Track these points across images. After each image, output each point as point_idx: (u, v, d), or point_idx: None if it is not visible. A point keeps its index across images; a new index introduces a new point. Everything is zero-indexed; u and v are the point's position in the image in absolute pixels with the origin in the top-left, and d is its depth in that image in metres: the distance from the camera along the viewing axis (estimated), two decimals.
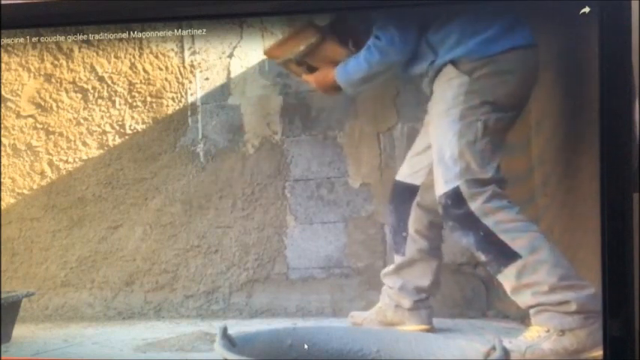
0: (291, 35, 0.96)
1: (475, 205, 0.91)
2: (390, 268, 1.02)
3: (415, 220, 0.99)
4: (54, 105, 1.07)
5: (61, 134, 1.08)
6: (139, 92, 1.06)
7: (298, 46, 0.96)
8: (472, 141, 0.91)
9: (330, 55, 0.97)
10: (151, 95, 1.06)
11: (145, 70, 1.05)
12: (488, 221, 0.91)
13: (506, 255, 0.90)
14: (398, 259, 1.01)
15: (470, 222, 0.91)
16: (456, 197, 0.92)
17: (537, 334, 0.91)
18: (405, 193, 1.00)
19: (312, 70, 0.99)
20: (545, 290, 0.89)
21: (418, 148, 0.99)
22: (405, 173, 1.00)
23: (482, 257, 0.92)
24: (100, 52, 1.03)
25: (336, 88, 0.98)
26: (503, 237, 0.90)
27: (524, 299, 0.91)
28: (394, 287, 1.01)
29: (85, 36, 0.96)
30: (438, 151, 0.94)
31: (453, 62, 0.92)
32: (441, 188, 0.93)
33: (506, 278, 0.91)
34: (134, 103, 1.06)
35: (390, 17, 0.92)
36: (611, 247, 0.82)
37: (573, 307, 0.89)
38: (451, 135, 0.92)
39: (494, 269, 0.92)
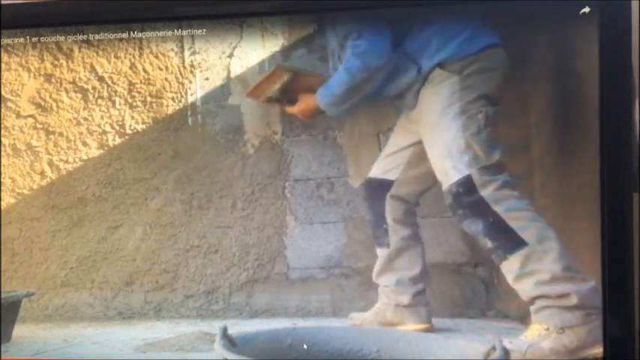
0: (264, 78, 0.99)
1: (486, 192, 0.92)
2: (379, 265, 1.03)
3: (392, 210, 1.02)
4: (54, 105, 1.07)
5: (61, 134, 1.08)
6: (139, 92, 1.06)
7: (274, 85, 0.99)
8: (476, 132, 0.93)
9: (307, 85, 0.99)
10: (151, 95, 1.06)
11: (145, 70, 1.05)
12: (499, 208, 0.92)
13: (513, 242, 0.91)
14: (383, 252, 1.02)
15: (480, 208, 0.92)
16: (467, 185, 0.93)
17: (537, 333, 0.91)
18: (378, 189, 1.02)
19: (293, 101, 1.01)
20: (547, 279, 0.90)
21: (391, 149, 1.02)
22: (379, 171, 1.02)
23: (489, 244, 0.92)
24: (100, 52, 1.03)
25: (319, 113, 1.00)
26: (512, 224, 0.91)
27: (526, 289, 0.91)
28: (390, 284, 1.02)
29: (85, 36, 0.96)
30: (444, 147, 0.94)
31: (440, 65, 0.94)
32: (452, 177, 0.94)
33: (511, 266, 0.92)
34: (134, 103, 1.06)
35: (364, 27, 0.94)
36: (611, 247, 0.82)
37: (574, 300, 0.89)
38: (455, 130, 0.93)
39: (499, 256, 0.92)
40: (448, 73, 0.94)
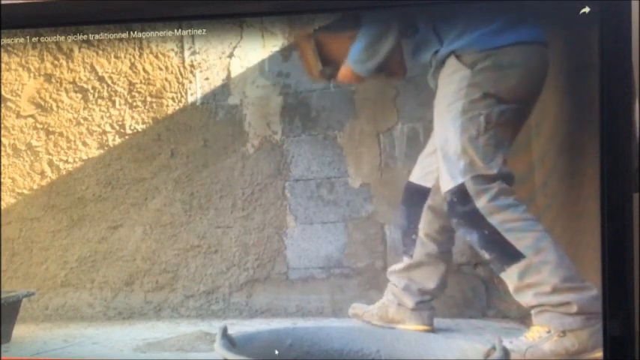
0: (301, 57, 0.97)
1: (481, 203, 0.90)
2: (398, 267, 1.02)
3: (426, 223, 0.98)
4: (54, 105, 1.07)
5: (61, 134, 1.08)
6: (139, 92, 1.06)
7: (313, 60, 0.96)
8: (474, 136, 0.90)
9: (340, 49, 0.96)
10: (151, 95, 1.06)
11: (145, 70, 1.05)
12: (494, 220, 0.90)
13: (510, 254, 0.90)
14: (406, 260, 1.01)
15: (475, 220, 0.90)
16: (461, 194, 0.91)
17: (538, 335, 0.90)
18: (416, 196, 0.99)
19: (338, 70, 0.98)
20: (548, 291, 0.89)
21: (430, 148, 0.98)
22: (417, 175, 0.99)
23: (486, 255, 0.92)
24: (100, 52, 1.03)
25: (359, 76, 0.97)
26: (508, 236, 0.89)
27: (526, 299, 0.91)
28: (398, 286, 1.01)
29: (85, 36, 0.96)
30: (442, 147, 0.93)
31: (456, 54, 0.91)
32: (447, 184, 0.92)
33: (509, 277, 0.91)
34: (134, 103, 1.06)
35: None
36: (611, 247, 0.82)
37: (574, 308, 0.88)
38: (453, 130, 0.91)
39: (497, 268, 0.91)
40: (461, 65, 0.91)
